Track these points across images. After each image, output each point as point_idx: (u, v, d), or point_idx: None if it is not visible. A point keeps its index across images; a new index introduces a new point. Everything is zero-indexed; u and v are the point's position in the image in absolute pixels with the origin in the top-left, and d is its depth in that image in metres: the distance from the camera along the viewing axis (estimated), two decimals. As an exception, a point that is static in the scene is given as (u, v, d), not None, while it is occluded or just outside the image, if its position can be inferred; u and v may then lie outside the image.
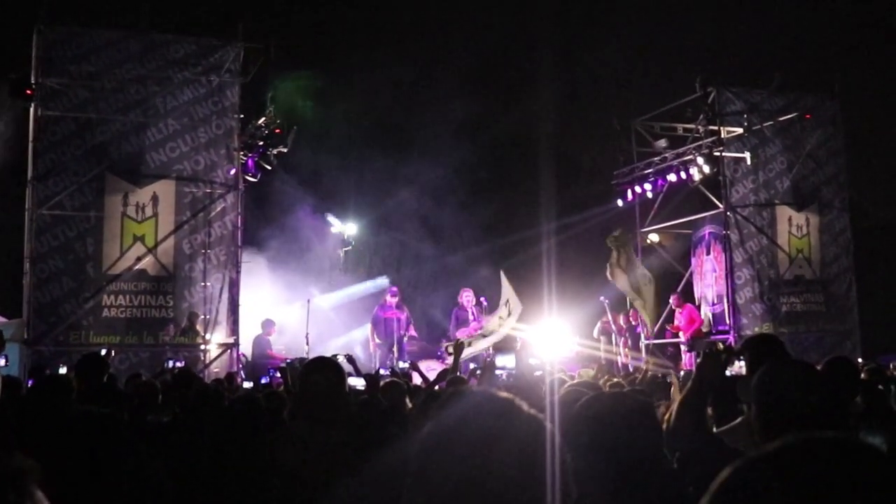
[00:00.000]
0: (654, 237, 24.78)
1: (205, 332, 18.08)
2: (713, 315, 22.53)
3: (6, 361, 10.32)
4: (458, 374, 10.39)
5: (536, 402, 1.98)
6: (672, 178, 22.31)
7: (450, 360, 19.20)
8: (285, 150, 19.60)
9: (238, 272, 18.64)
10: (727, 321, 21.55)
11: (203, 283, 18.28)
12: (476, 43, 28.21)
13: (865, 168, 23.82)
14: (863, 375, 8.01)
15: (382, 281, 25.90)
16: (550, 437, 1.80)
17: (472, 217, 27.53)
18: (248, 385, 13.94)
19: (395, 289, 21.28)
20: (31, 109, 17.66)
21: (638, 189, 23.42)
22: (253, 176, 19.77)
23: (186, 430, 5.65)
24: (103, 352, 12.33)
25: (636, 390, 6.20)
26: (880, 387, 7.55)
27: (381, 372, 13.09)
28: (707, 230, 23.04)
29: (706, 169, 21.51)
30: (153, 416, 6.60)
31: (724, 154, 21.62)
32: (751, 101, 22.33)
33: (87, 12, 18.78)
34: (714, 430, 4.88)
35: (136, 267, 17.83)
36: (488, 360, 17.51)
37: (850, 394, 5.81)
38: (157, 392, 9.38)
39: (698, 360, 4.85)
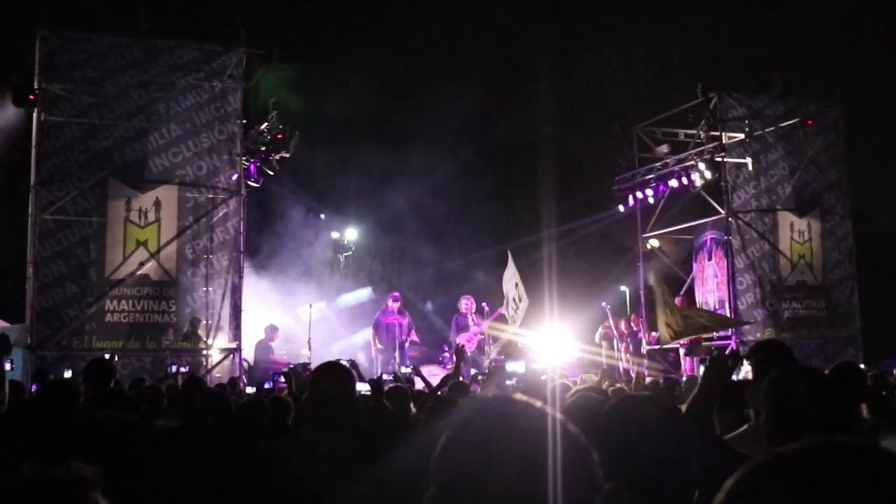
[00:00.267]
0: (654, 242, 24.78)
1: (207, 338, 18.08)
2: (715, 321, 22.49)
3: (11, 366, 10.31)
4: (461, 379, 10.41)
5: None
6: (673, 183, 22.30)
7: (451, 365, 19.33)
8: (287, 156, 19.61)
9: (240, 277, 18.66)
10: (729, 327, 21.51)
11: (205, 289, 18.31)
12: (477, 48, 28.25)
13: (867, 174, 23.82)
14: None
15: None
16: (576, 438, 1.82)
17: (474, 222, 27.56)
18: (251, 390, 13.95)
19: (396, 294, 21.30)
20: (35, 115, 17.70)
21: (639, 194, 23.38)
22: (255, 181, 19.78)
23: (196, 436, 5.67)
24: (106, 356, 12.37)
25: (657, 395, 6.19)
26: (884, 393, 7.57)
27: (384, 377, 13.12)
28: (708, 236, 23.04)
29: (708, 174, 21.49)
30: (162, 421, 6.61)
31: (725, 160, 21.63)
32: (752, 106, 22.35)
33: (89, 18, 18.80)
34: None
35: (139, 272, 17.86)
36: (493, 365, 17.59)
37: (858, 399, 5.82)
38: (162, 397, 9.41)
39: (705, 366, 4.86)
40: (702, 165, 21.48)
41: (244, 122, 19.01)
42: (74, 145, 17.72)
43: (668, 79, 25.88)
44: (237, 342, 18.28)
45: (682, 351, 21.55)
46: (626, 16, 27.54)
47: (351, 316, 25.17)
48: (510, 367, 8.86)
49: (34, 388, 11.94)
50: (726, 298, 21.78)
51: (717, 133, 21.62)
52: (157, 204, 18.13)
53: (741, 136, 21.92)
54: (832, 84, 23.31)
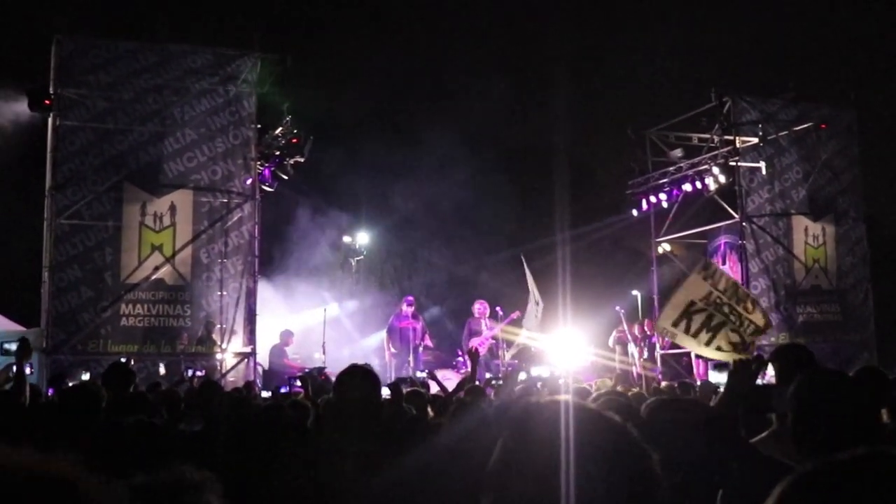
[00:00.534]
0: (665, 247, 24.71)
1: (221, 342, 18.10)
2: (729, 325, 22.41)
3: (31, 369, 10.36)
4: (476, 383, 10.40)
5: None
6: (687, 187, 22.25)
7: (465, 369, 19.34)
8: (302, 160, 19.63)
9: (255, 281, 18.68)
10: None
11: (220, 293, 18.32)
12: (491, 53, 28.27)
13: (881, 178, 23.77)
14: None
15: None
16: (637, 441, 1.82)
17: (486, 226, 27.56)
18: (266, 394, 13.97)
19: (410, 298, 21.28)
20: (50, 119, 17.74)
21: (653, 199, 23.34)
22: (270, 186, 19.81)
23: (220, 439, 5.67)
24: (122, 361, 12.42)
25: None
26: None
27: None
28: (722, 240, 22.99)
29: (722, 179, 21.44)
30: (185, 424, 6.63)
31: (739, 164, 21.56)
32: (766, 110, 22.29)
33: (104, 23, 18.89)
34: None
35: (154, 276, 17.88)
36: (508, 370, 17.59)
37: (881, 404, 5.80)
38: (179, 401, 9.42)
39: (730, 370, 4.86)
40: (716, 169, 21.43)
41: (259, 126, 19.02)
42: (89, 150, 17.74)
43: (681, 83, 25.89)
44: (252, 346, 18.29)
45: (693, 354, 21.48)
46: (639, 21, 27.55)
47: (363, 320, 25.19)
48: (535, 371, 8.86)
49: (50, 392, 11.97)
50: (741, 303, 21.69)
51: (731, 137, 21.55)
52: (172, 208, 18.16)
53: (755, 139, 21.85)
54: (845, 88, 23.33)
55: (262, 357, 19.18)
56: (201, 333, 17.99)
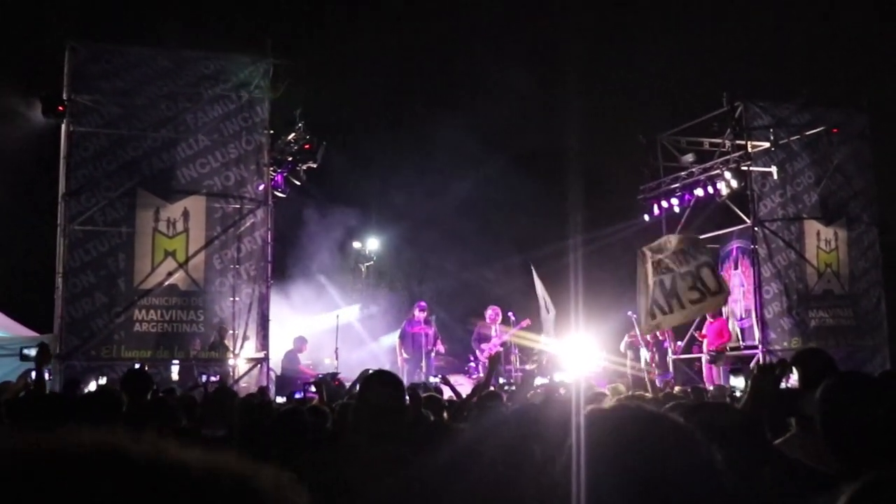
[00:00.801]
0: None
1: (234, 347, 18.12)
2: (741, 330, 22.42)
3: (50, 375, 10.40)
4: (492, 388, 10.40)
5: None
6: (699, 192, 22.22)
7: (476, 375, 19.36)
8: (315, 166, 19.68)
9: (268, 287, 18.71)
10: (755, 336, 21.43)
11: (233, 298, 18.34)
12: (502, 59, 28.27)
13: (894, 182, 23.69)
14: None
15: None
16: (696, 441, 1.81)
17: (498, 231, 27.57)
18: (281, 400, 13.99)
19: (423, 303, 21.31)
20: (63, 126, 17.79)
21: (665, 204, 23.30)
22: (282, 192, 19.86)
23: (243, 444, 5.69)
24: (137, 366, 12.45)
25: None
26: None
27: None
28: (735, 245, 22.95)
29: (734, 183, 21.41)
30: (208, 430, 6.64)
31: (751, 168, 21.52)
32: (778, 115, 22.26)
33: (118, 30, 18.93)
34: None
35: (168, 282, 17.92)
36: (522, 375, 17.59)
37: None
38: (196, 406, 9.43)
39: (753, 375, 4.86)
40: (728, 174, 21.41)
41: (271, 132, 19.05)
42: (103, 156, 17.79)
43: (692, 88, 25.85)
44: (264, 352, 18.30)
45: (704, 359, 21.48)
46: (651, 26, 27.55)
47: (373, 325, 25.22)
48: (557, 376, 8.87)
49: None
50: (753, 307, 21.68)
51: (743, 142, 21.52)
52: (186, 214, 18.19)
53: (766, 144, 21.82)
54: (858, 92, 23.24)
55: (275, 363, 19.20)
56: (214, 339, 18.02)
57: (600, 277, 25.37)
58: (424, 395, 9.37)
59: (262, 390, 14.96)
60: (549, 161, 27.24)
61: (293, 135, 19.39)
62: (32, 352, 8.27)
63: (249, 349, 18.29)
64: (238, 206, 18.61)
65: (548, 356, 21.38)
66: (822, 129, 22.03)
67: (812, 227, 22.27)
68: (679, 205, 23.05)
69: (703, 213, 23.41)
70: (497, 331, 20.66)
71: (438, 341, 20.80)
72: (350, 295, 26.27)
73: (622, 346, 22.44)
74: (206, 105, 18.52)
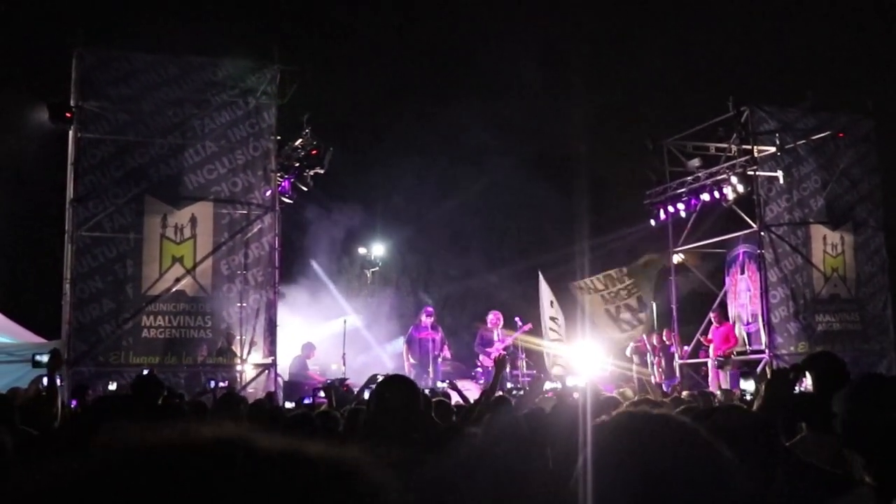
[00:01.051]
0: (678, 257, 24.62)
1: (241, 353, 18.14)
2: (748, 334, 22.40)
3: (62, 381, 10.42)
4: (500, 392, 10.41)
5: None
6: (705, 197, 22.19)
7: (483, 380, 19.37)
8: (322, 172, 19.72)
9: (276, 293, 18.72)
10: (762, 340, 21.41)
11: (240, 304, 18.36)
12: (507, 65, 28.31)
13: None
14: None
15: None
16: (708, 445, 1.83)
17: (504, 236, 27.60)
18: (290, 405, 14.00)
19: (430, 309, 21.32)
20: (71, 132, 17.82)
21: (671, 209, 23.26)
22: (289, 197, 19.90)
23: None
24: (145, 372, 12.47)
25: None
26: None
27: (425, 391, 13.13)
28: (741, 249, 22.92)
29: (740, 188, 21.38)
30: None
31: (757, 173, 21.51)
32: (784, 119, 22.25)
33: (125, 36, 18.99)
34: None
35: (175, 288, 17.94)
36: (531, 380, 17.61)
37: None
38: (206, 411, 9.46)
39: (767, 379, 4.87)
40: (734, 179, 21.38)
41: (278, 138, 19.08)
42: (110, 162, 17.81)
43: (698, 93, 25.88)
44: (272, 357, 18.31)
45: (710, 364, 21.49)
46: (657, 31, 27.57)
47: (378, 331, 25.25)
48: (570, 381, 8.88)
49: (73, 403, 12.02)
50: (759, 312, 21.67)
51: (749, 146, 21.51)
52: (193, 220, 18.21)
53: (772, 149, 21.82)
54: (864, 96, 23.23)
55: (282, 368, 19.21)
56: (221, 345, 18.03)
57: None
58: (434, 399, 9.38)
59: (270, 396, 14.99)
60: (555, 166, 27.27)
61: (300, 140, 19.43)
62: (45, 358, 8.27)
63: (257, 355, 18.30)
64: (245, 211, 18.63)
65: (556, 360, 21.43)
66: (828, 133, 22.03)
67: (818, 231, 22.25)
68: (685, 210, 23.02)
69: (710, 218, 23.41)
70: (499, 335, 20.69)
71: (445, 346, 20.81)
72: (355, 300, 26.29)
73: (628, 351, 22.52)
74: (213, 111, 18.54)
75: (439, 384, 17.68)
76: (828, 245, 22.30)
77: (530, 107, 28.84)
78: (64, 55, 18.29)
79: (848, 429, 3.64)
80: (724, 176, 21.73)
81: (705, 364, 22.11)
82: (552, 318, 21.58)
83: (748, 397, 11.61)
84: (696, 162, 23.04)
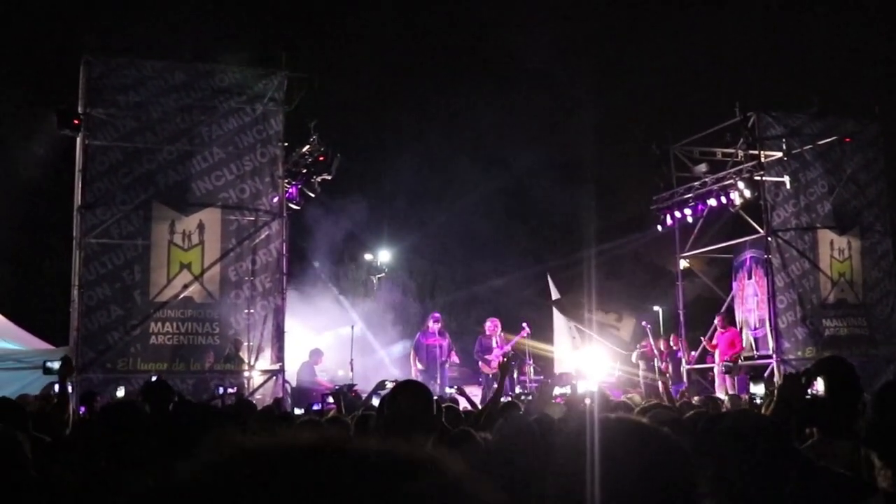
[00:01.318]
0: (684, 263, 24.61)
1: (249, 359, 18.14)
2: (755, 339, 22.39)
3: (72, 387, 10.45)
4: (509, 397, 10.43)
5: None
6: (712, 202, 22.16)
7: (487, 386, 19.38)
8: (329, 178, 19.74)
9: (283, 299, 18.73)
10: (769, 345, 21.40)
11: (248, 310, 18.37)
12: (514, 70, 28.33)
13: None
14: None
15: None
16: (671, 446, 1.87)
17: (511, 242, 27.60)
18: (298, 412, 14.03)
19: (437, 315, 21.29)
20: (79, 139, 17.85)
21: (678, 214, 23.24)
22: (297, 204, 19.93)
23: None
24: (154, 378, 12.49)
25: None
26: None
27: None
28: (748, 255, 22.92)
29: (747, 193, 21.36)
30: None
31: (764, 178, 21.49)
32: (790, 124, 22.24)
33: (132, 43, 19.01)
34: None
35: (183, 294, 17.95)
36: (539, 385, 17.62)
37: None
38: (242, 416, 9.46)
39: (779, 384, 4.89)
40: (741, 184, 21.36)
41: (286, 144, 19.10)
42: (118, 169, 17.84)
43: (705, 98, 25.89)
44: (280, 364, 18.32)
45: (716, 370, 21.47)
46: (664, 37, 27.58)
47: (385, 338, 25.26)
48: (582, 387, 8.89)
49: (82, 410, 12.04)
50: (767, 317, 21.65)
51: (756, 152, 21.49)
52: (201, 227, 18.24)
53: (779, 154, 21.80)
54: (870, 101, 23.24)
55: (289, 375, 19.22)
56: (229, 351, 18.03)
57: (613, 288, 25.41)
58: (443, 405, 9.38)
59: (278, 402, 15.00)
60: (563, 172, 27.28)
61: (307, 147, 19.44)
62: (56, 364, 8.31)
63: (264, 361, 18.31)
64: (253, 218, 18.64)
65: (567, 366, 21.48)
66: (834, 138, 22.03)
67: (825, 236, 22.24)
68: (692, 215, 23.00)
69: (717, 223, 23.42)
70: (498, 342, 20.67)
71: (452, 352, 20.80)
72: (361, 306, 26.30)
73: (634, 357, 22.50)
74: (220, 118, 18.56)
75: (447, 390, 17.70)
76: (835, 250, 22.29)
77: (537, 114, 28.86)
78: (72, 62, 18.37)
79: (873, 432, 3.64)
80: (731, 181, 21.71)
81: (712, 369, 22.09)
82: (569, 326, 21.63)
83: (758, 401, 11.59)
84: (703, 167, 23.04)
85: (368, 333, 24.48)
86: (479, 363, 20.75)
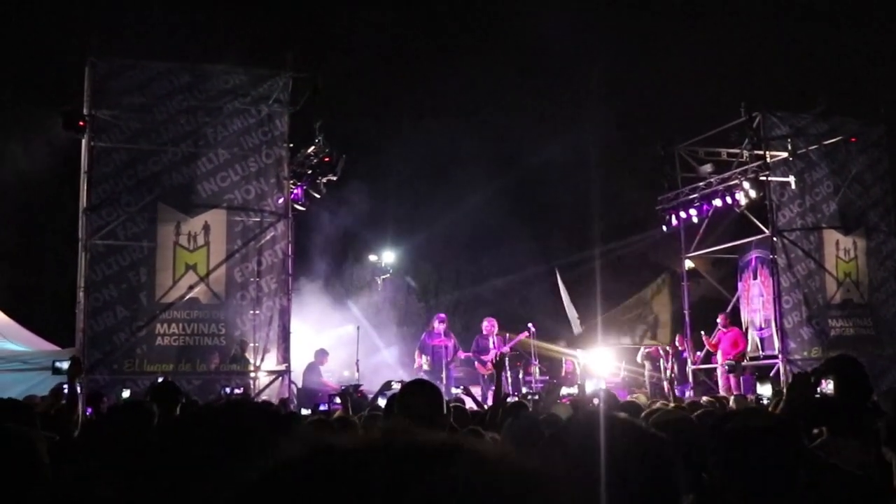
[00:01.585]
0: (689, 263, 24.57)
1: (255, 360, 18.15)
2: (761, 340, 22.37)
3: (81, 388, 10.46)
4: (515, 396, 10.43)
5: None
6: (718, 202, 22.16)
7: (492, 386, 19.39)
8: (335, 179, 19.74)
9: (289, 300, 18.73)
10: (775, 346, 21.37)
11: (254, 311, 18.37)
12: (519, 71, 28.32)
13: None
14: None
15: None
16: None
17: (516, 242, 27.58)
18: (305, 412, 14.01)
19: (442, 315, 21.30)
20: (84, 141, 17.86)
21: (683, 214, 23.25)
22: (302, 205, 19.94)
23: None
24: (160, 380, 12.48)
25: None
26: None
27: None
28: (754, 255, 22.89)
29: (752, 193, 21.37)
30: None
31: (769, 178, 21.48)
32: (796, 125, 22.22)
33: (137, 44, 19.04)
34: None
35: (189, 295, 17.95)
36: (552, 384, 17.65)
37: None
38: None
39: (789, 384, 4.89)
40: (746, 184, 21.36)
41: (291, 145, 19.10)
42: (123, 170, 17.83)
43: (710, 98, 25.85)
44: (286, 364, 18.32)
45: (719, 371, 21.45)
46: (669, 37, 27.56)
47: (389, 338, 25.27)
48: (589, 386, 8.90)
49: (88, 411, 12.05)
50: (772, 317, 21.62)
51: (761, 152, 21.49)
52: (206, 228, 18.23)
53: (784, 154, 21.79)
54: (875, 102, 23.21)
55: (295, 376, 19.22)
56: (235, 352, 18.03)
57: (618, 288, 25.40)
58: (451, 405, 9.39)
59: (284, 402, 15.01)
60: (567, 172, 27.25)
61: (313, 148, 19.43)
62: (65, 365, 8.33)
63: (270, 362, 18.31)
64: (258, 219, 18.65)
65: (574, 365, 21.48)
66: (840, 138, 22.02)
67: (831, 236, 22.21)
68: (697, 215, 23.00)
69: (722, 224, 23.40)
70: (495, 342, 20.67)
71: (458, 351, 20.81)
72: (366, 307, 26.30)
73: (639, 357, 22.52)
74: (225, 119, 18.56)
75: (453, 390, 17.72)
76: (840, 250, 22.26)
77: (544, 113, 28.87)
78: (77, 64, 18.37)
79: (892, 430, 3.65)
80: (736, 181, 21.72)
81: (716, 369, 22.09)
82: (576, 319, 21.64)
83: (765, 401, 11.59)
84: (708, 167, 23.03)
85: (373, 334, 24.48)
86: (476, 364, 20.78)
